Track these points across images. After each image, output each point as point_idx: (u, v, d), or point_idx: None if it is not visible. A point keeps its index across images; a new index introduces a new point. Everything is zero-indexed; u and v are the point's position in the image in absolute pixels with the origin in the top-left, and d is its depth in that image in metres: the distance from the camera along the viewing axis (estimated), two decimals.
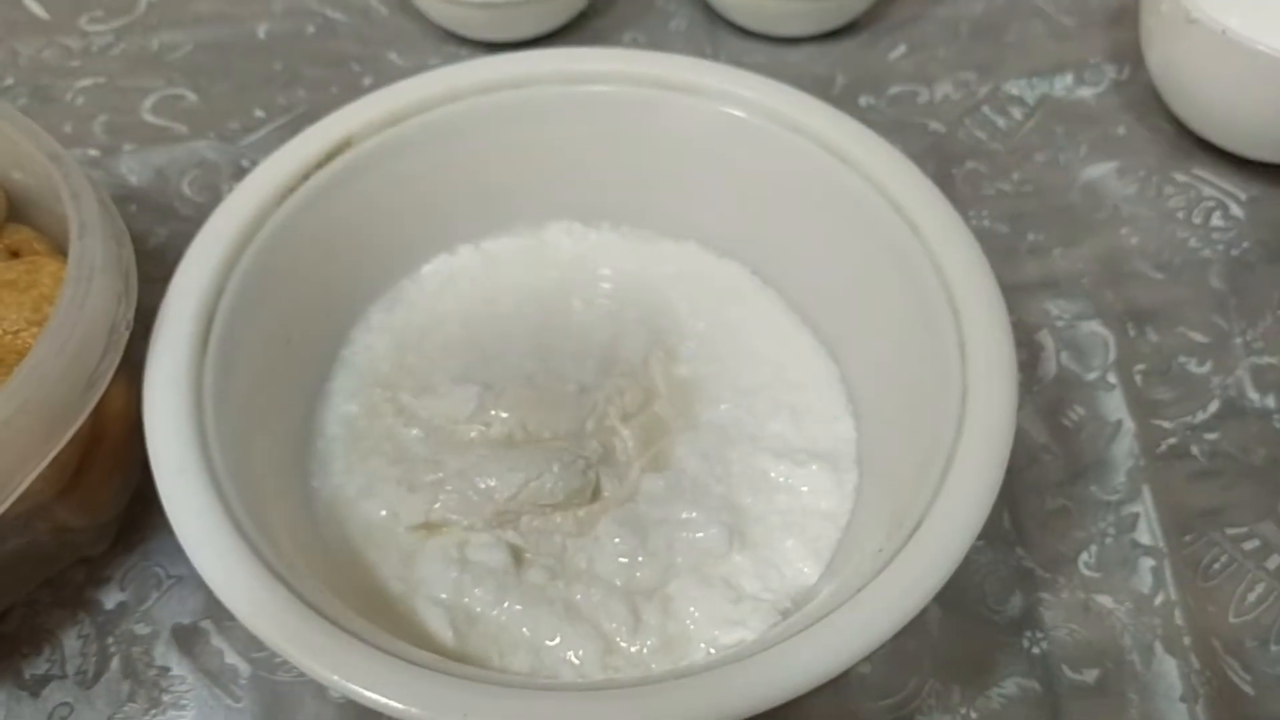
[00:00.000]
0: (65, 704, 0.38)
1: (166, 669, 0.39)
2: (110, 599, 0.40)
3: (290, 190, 0.39)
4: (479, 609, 0.37)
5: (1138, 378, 0.46)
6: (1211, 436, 0.45)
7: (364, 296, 0.45)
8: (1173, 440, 0.45)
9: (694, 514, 0.39)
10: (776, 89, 0.42)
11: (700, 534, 0.38)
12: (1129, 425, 0.45)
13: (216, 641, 0.39)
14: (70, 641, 0.39)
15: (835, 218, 0.42)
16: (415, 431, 0.41)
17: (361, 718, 0.38)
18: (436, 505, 0.38)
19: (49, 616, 0.40)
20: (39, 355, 0.31)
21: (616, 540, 0.38)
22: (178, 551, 0.41)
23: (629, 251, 0.47)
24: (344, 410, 0.42)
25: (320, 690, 0.38)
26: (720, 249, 0.47)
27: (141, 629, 0.40)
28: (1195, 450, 0.45)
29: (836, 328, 0.44)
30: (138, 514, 0.41)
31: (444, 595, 0.37)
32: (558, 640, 0.36)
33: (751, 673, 0.29)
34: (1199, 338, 0.48)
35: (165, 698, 0.38)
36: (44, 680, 0.38)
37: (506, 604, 0.36)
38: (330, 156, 0.40)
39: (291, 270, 0.40)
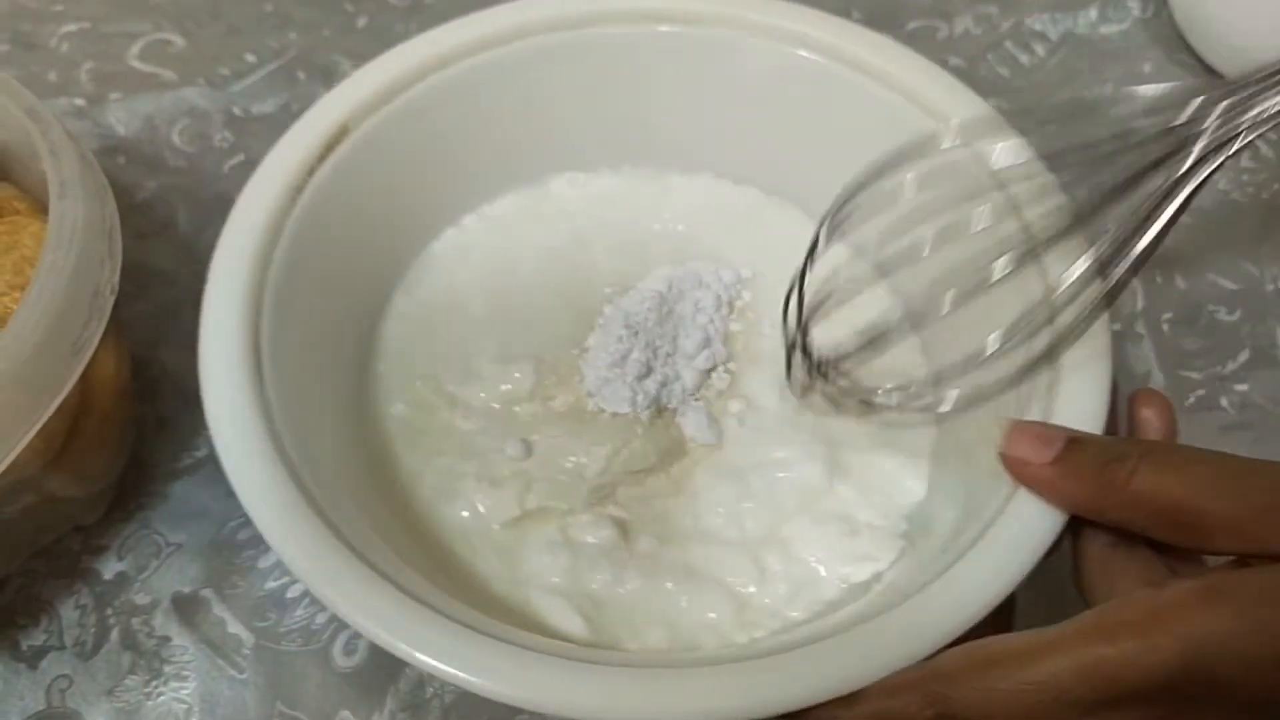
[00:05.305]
0: (64, 676, 0.37)
1: (167, 639, 0.38)
2: (108, 568, 0.39)
3: (299, 190, 0.37)
4: (599, 590, 0.35)
5: (1165, 327, 0.45)
6: (1241, 388, 0.44)
7: (386, 284, 0.42)
8: (1201, 392, 0.44)
9: (786, 451, 0.37)
10: (769, 6, 0.41)
11: (797, 471, 0.37)
12: (1157, 376, 0.44)
13: (218, 611, 0.38)
14: (68, 612, 0.38)
15: (858, 131, 0.40)
16: (474, 422, 0.38)
17: (367, 687, 0.37)
18: (530, 495, 0.36)
19: (45, 586, 0.39)
20: (18, 324, 0.30)
21: (716, 493, 0.37)
22: (176, 519, 0.40)
23: (638, 191, 0.45)
24: (393, 411, 0.39)
25: (325, 660, 0.37)
26: (736, 176, 0.45)
27: (141, 598, 0.39)
28: (1224, 402, 0.43)
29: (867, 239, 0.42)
30: (133, 480, 0.40)
31: (558, 582, 0.35)
32: (688, 607, 0.34)
33: (898, 623, 0.28)
34: (1228, 285, 0.46)
35: (167, 668, 0.37)
36: (42, 651, 0.38)
37: (626, 580, 0.35)
38: (330, 147, 0.38)
39: (318, 268, 0.37)
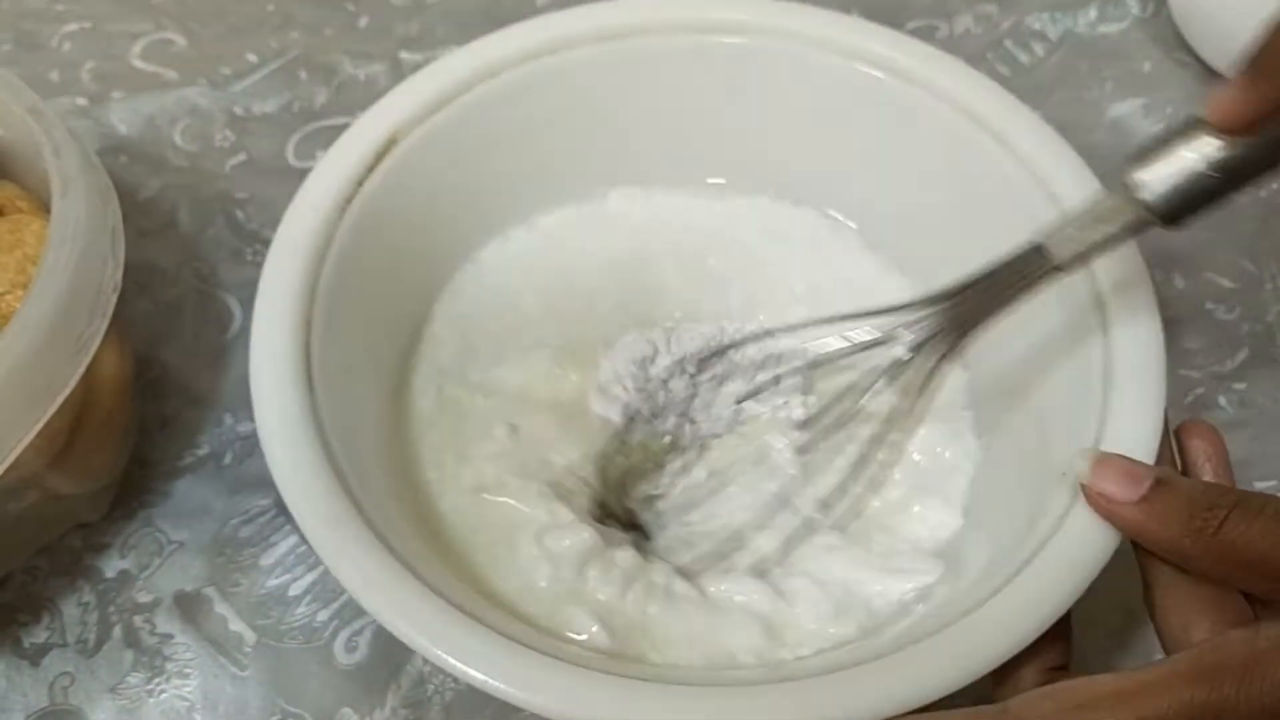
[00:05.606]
0: (66, 674, 0.37)
1: (169, 636, 0.38)
2: (110, 566, 0.39)
3: (348, 200, 0.37)
4: (608, 602, 0.34)
5: (1164, 325, 0.45)
6: (1240, 386, 0.44)
7: (430, 294, 0.42)
8: (1200, 390, 0.43)
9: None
10: (828, 18, 0.41)
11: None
12: None
13: (220, 609, 0.38)
14: (70, 609, 0.38)
15: (908, 142, 0.41)
16: (484, 405, 0.38)
17: (369, 685, 0.37)
18: (492, 468, 0.36)
19: (47, 584, 0.39)
20: (21, 322, 0.30)
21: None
22: (178, 516, 0.40)
23: (701, 209, 0.44)
24: (421, 406, 0.39)
25: (327, 658, 0.37)
26: (794, 198, 0.44)
27: (143, 596, 0.39)
28: (1223, 400, 0.43)
29: (920, 258, 0.42)
30: (135, 478, 0.40)
31: (560, 590, 0.34)
32: (721, 628, 0.33)
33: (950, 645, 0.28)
34: (1227, 283, 0.46)
35: (169, 666, 0.37)
36: (44, 649, 0.38)
37: (633, 595, 0.34)
38: (379, 158, 0.38)
39: (367, 280, 0.37)
